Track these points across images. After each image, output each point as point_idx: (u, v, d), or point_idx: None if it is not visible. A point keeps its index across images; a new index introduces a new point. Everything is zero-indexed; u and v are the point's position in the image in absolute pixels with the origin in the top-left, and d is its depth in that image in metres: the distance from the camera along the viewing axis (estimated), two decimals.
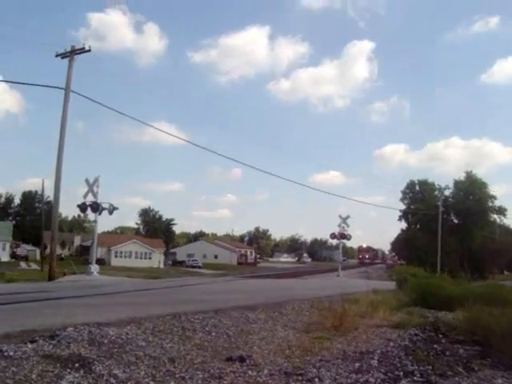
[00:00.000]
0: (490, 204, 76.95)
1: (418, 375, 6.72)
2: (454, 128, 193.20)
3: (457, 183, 78.76)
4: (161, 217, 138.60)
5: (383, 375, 6.68)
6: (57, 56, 31.30)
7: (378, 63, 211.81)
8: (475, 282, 33.44)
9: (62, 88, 30.10)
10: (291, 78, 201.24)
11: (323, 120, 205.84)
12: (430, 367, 7.15)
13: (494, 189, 79.83)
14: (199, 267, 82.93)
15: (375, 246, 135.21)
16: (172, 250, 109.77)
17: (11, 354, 6.72)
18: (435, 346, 8.77)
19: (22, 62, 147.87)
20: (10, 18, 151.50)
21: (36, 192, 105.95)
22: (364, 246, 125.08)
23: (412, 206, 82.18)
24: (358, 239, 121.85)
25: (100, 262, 52.57)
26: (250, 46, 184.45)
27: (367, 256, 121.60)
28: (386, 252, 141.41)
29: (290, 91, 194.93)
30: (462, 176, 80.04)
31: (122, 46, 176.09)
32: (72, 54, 30.91)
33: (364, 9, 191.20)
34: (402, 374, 6.78)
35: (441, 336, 9.72)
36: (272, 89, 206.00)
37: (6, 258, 73.00)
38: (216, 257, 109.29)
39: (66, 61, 30.96)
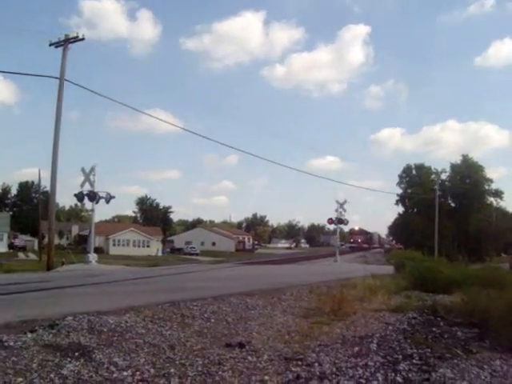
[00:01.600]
0: (487, 187, 77.21)
1: (417, 358, 6.76)
2: (450, 111, 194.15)
3: (453, 167, 78.89)
4: (158, 205, 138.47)
5: (382, 359, 6.71)
6: (50, 45, 31.11)
7: (374, 47, 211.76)
8: (472, 264, 33.53)
9: (56, 77, 29.95)
10: (286, 64, 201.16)
11: (319, 105, 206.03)
12: (429, 350, 7.19)
13: (490, 172, 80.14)
14: (197, 254, 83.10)
15: (373, 230, 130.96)
16: (170, 238, 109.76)
17: (11, 343, 6.75)
18: (434, 329, 8.81)
19: (15, 51, 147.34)
20: (1, 7, 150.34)
21: (33, 182, 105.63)
22: (356, 228, 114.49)
23: (409, 190, 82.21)
24: (356, 224, 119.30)
25: (98, 250, 52.63)
26: (245, 31, 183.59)
27: (360, 240, 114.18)
28: (384, 236, 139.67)
29: (285, 77, 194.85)
30: (458, 159, 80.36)
31: (115, 33, 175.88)
32: (66, 42, 30.71)
33: None
34: (400, 357, 6.82)
35: (439, 319, 9.76)
36: (267, 74, 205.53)
37: (3, 248, 72.99)
38: (214, 244, 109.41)
39: (59, 49, 30.82)
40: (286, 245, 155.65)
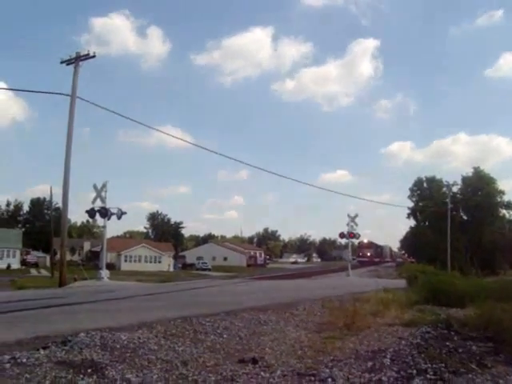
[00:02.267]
0: (499, 199, 76.54)
1: (431, 373, 6.69)
2: (461, 124, 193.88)
3: (465, 179, 78.36)
4: (169, 220, 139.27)
5: (396, 374, 6.66)
6: (62, 63, 31.40)
7: (383, 60, 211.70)
8: (486, 278, 33.21)
9: (67, 95, 30.21)
10: (296, 78, 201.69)
11: (329, 119, 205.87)
12: (443, 365, 7.11)
13: (502, 184, 79.55)
14: (209, 270, 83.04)
15: (384, 244, 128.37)
16: (181, 253, 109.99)
17: (24, 360, 6.75)
18: (447, 343, 8.73)
19: (27, 69, 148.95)
20: (13, 26, 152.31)
21: (44, 199, 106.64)
22: (365, 241, 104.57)
23: (420, 204, 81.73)
24: (367, 238, 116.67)
25: (110, 266, 52.67)
26: (254, 47, 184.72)
27: (369, 254, 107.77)
28: (395, 250, 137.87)
29: (294, 91, 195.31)
30: (469, 172, 79.70)
31: (125, 50, 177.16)
32: (77, 60, 30.97)
33: (367, 6, 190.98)
34: (414, 372, 6.76)
35: (453, 333, 9.67)
36: (277, 89, 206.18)
37: (16, 265, 73.41)
38: (225, 259, 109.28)
39: (70, 67, 31.11)
40: (299, 259, 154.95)
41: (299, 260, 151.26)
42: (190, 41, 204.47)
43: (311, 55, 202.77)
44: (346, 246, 64.14)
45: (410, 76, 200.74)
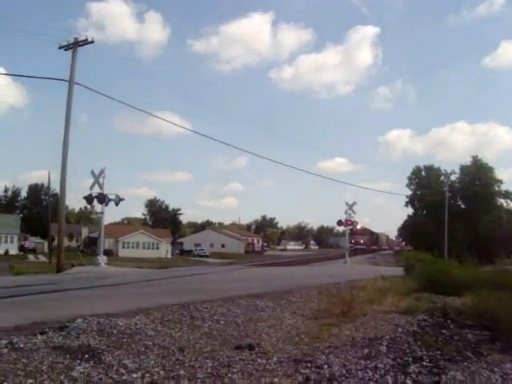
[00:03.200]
0: (497, 188, 76.55)
1: (427, 360, 6.71)
2: (460, 112, 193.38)
3: (463, 168, 78.29)
4: (167, 207, 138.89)
5: (392, 361, 6.68)
6: (60, 48, 31.19)
7: (382, 48, 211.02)
8: (483, 266, 33.28)
9: (65, 80, 30.05)
10: (294, 65, 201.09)
11: (327, 107, 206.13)
12: (439, 352, 7.14)
13: (500, 173, 79.49)
14: (206, 256, 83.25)
15: (380, 231, 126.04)
16: (179, 240, 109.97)
17: (21, 345, 6.77)
18: (444, 331, 8.75)
19: (24, 54, 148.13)
20: (10, 10, 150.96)
21: (42, 185, 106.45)
22: (358, 227, 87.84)
23: (418, 192, 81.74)
24: (366, 226, 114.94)
25: (108, 253, 52.64)
26: (253, 33, 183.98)
27: (362, 241, 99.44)
28: (393, 237, 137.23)
29: (293, 78, 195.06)
30: (468, 161, 79.65)
31: (123, 35, 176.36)
32: (75, 45, 30.77)
33: None
34: (410, 359, 6.78)
35: (449, 321, 9.70)
36: (275, 76, 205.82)
37: (14, 250, 73.35)
38: (223, 246, 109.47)
39: (68, 52, 30.91)
40: (297, 246, 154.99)
41: (288, 247, 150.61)
42: (189, 26, 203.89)
43: (311, 42, 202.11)
44: (343, 234, 64.05)
45: (409, 64, 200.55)
